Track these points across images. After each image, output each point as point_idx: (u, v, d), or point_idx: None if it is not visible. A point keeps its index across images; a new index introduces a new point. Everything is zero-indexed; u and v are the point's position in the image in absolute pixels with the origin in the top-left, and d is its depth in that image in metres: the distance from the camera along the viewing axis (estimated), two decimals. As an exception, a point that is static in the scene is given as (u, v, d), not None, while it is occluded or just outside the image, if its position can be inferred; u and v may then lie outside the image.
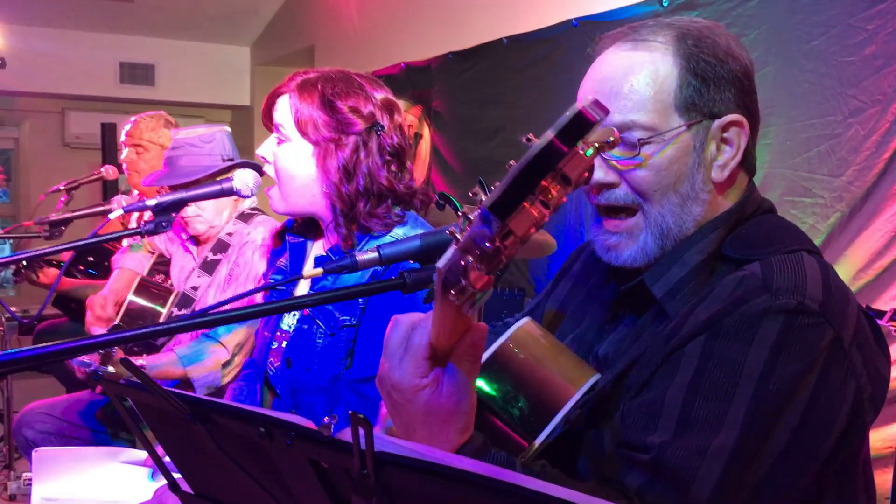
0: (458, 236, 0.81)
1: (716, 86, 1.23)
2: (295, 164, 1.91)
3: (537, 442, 1.14)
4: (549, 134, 0.73)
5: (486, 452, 1.06)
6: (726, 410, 1.08)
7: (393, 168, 1.92)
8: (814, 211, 2.98)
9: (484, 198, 0.77)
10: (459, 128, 4.91)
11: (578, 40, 3.93)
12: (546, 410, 1.15)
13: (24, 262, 3.72)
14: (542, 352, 1.22)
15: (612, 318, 1.34)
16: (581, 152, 0.74)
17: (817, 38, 2.97)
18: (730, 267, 1.21)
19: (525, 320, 1.25)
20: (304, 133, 1.89)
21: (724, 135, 1.24)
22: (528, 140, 0.74)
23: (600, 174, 1.24)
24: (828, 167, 2.95)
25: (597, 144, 0.76)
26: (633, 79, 1.22)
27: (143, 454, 2.10)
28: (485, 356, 1.16)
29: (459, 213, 0.82)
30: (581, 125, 0.73)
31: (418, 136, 5.41)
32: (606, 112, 0.75)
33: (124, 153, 3.82)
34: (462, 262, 0.79)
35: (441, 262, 0.86)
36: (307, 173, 1.91)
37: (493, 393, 1.17)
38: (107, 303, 3.15)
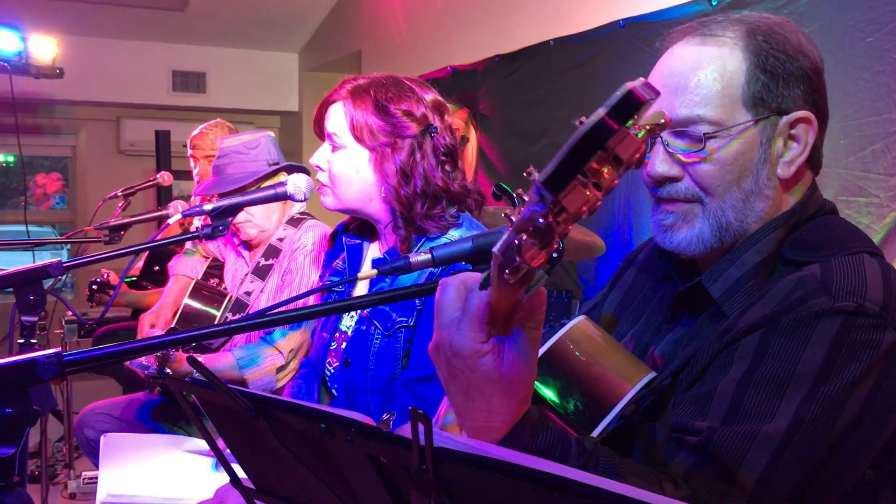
0: (513, 219, 0.83)
1: (785, 82, 1.22)
2: (352, 170, 1.95)
3: (592, 436, 1.16)
4: (600, 111, 0.74)
5: (543, 427, 1.04)
6: (778, 403, 1.08)
7: (447, 168, 1.95)
8: (869, 211, 2.92)
9: (537, 176, 0.78)
10: (505, 130, 4.90)
11: (626, 41, 3.90)
12: (601, 406, 1.16)
13: (96, 287, 3.95)
14: (598, 349, 1.23)
15: (670, 319, 1.34)
16: (632, 133, 0.75)
17: (871, 35, 2.91)
18: (789, 268, 1.20)
19: (581, 318, 1.26)
20: (360, 139, 1.92)
21: (792, 131, 1.24)
22: (580, 122, 0.75)
23: (664, 167, 1.24)
24: (883, 166, 2.88)
25: (648, 126, 0.77)
26: (701, 73, 1.22)
27: (205, 443, 2.16)
28: (541, 352, 1.17)
29: (515, 196, 0.84)
30: (631, 103, 0.73)
31: (465, 139, 5.42)
32: (657, 93, 0.76)
33: (197, 167, 3.86)
34: (516, 241, 0.80)
35: (497, 247, 0.87)
36: (364, 178, 1.95)
37: (549, 388, 1.18)
38: (158, 320, 3.25)
